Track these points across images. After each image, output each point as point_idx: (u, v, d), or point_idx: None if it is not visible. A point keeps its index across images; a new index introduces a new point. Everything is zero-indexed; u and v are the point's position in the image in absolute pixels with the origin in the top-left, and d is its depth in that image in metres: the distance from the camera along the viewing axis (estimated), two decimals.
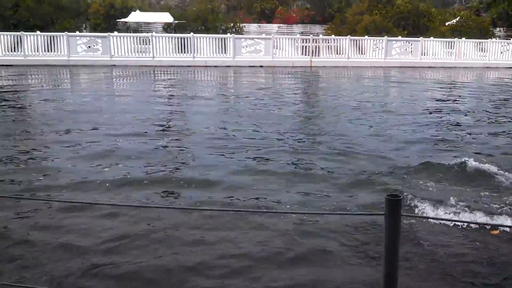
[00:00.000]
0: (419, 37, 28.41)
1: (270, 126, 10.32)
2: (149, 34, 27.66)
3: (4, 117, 11.23)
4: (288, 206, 5.69)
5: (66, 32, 26.26)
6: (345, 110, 12.63)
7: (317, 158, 7.82)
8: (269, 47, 26.48)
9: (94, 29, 37.49)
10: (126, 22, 37.13)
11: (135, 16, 36.90)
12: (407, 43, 28.42)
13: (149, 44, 26.03)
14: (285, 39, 28.42)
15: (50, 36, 25.77)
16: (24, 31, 25.79)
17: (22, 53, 24.84)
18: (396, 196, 1.90)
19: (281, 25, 47.24)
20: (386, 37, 28.01)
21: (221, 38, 27.05)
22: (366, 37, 28.56)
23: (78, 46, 25.50)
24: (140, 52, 26.16)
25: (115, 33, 27.70)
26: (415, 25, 37.79)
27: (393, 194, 1.91)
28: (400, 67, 26.47)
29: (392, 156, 8.04)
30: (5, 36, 25.21)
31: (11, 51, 25.03)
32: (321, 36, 30.23)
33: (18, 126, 10.25)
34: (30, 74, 21.84)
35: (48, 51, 25.33)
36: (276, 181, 6.63)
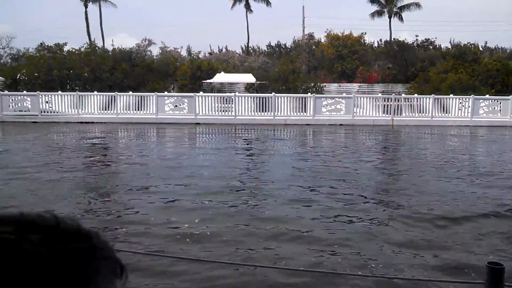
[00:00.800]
0: (509, 96, 27.15)
1: (349, 184, 10.09)
2: (232, 94, 28.67)
3: (95, 169, 11.90)
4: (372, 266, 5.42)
5: (155, 93, 27.92)
6: (429, 169, 12.11)
7: (398, 217, 7.48)
8: (350, 106, 26.44)
9: (181, 89, 39.48)
10: (211, 83, 38.81)
11: (220, 77, 38.53)
12: (496, 101, 27.24)
13: (232, 103, 26.94)
14: (366, 97, 28.30)
15: (140, 96, 27.51)
16: (118, 92, 27.74)
17: (115, 112, 26.58)
18: (498, 264, 1.73)
19: (361, 84, 47.22)
20: (472, 95, 27.04)
21: (302, 98, 27.45)
22: (451, 95, 27.74)
23: (166, 105, 26.91)
24: (223, 111, 27.09)
25: (201, 93, 29.00)
26: (504, 83, 36.24)
27: (495, 262, 1.74)
28: (488, 126, 25.27)
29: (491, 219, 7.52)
30: (101, 96, 27.23)
31: (105, 110, 26.89)
32: (403, 95, 29.76)
33: (102, 174, 10.80)
34: (121, 130, 23.20)
35: (138, 110, 26.94)
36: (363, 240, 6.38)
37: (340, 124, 25.48)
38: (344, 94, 29.84)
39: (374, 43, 61.45)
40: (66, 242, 0.49)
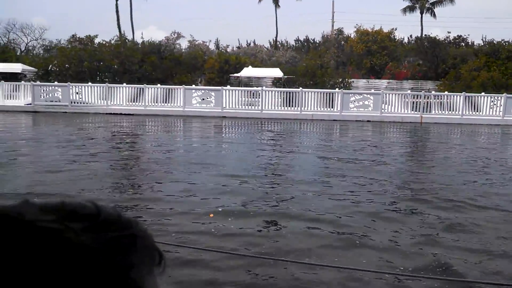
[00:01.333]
0: None
1: (374, 179, 9.98)
2: (259, 88, 28.66)
3: (121, 157, 12.08)
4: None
5: (183, 85, 28.13)
6: (459, 165, 11.89)
7: (429, 207, 7.37)
8: (378, 102, 26.12)
9: (209, 83, 39.66)
10: (238, 77, 38.85)
11: (247, 71, 38.50)
12: None
13: (258, 98, 26.93)
14: (395, 94, 27.91)
15: (168, 89, 27.76)
16: (147, 84, 28.06)
17: (143, 104, 26.89)
18: None
19: (390, 80, 46.59)
20: (505, 94, 26.39)
21: (329, 93, 27.25)
22: (483, 94, 27.13)
23: (193, 99, 27.08)
24: (250, 105, 27.11)
25: (228, 87, 29.07)
26: None
27: None
28: None
29: None
30: (129, 88, 27.58)
31: (134, 102, 27.23)
32: (433, 92, 29.24)
33: (133, 165, 10.96)
34: (148, 122, 23.46)
35: (165, 102, 27.20)
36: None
37: (368, 121, 25.21)
38: (372, 90, 29.50)
39: (404, 39, 60.51)
40: (107, 230, 0.50)
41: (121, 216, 0.53)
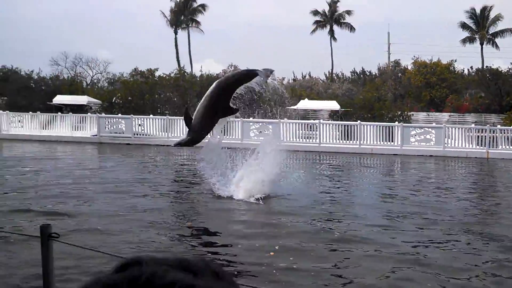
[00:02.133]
0: None
1: (441, 218, 9.59)
2: (316, 121, 28.56)
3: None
4: None
5: (241, 118, 28.43)
6: None
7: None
8: (440, 136, 25.35)
9: (265, 115, 39.94)
10: (295, 109, 38.98)
11: (304, 104, 38.59)
12: None
13: (316, 131, 26.81)
14: (458, 128, 27.05)
15: (226, 122, 28.14)
16: None
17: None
18: None
19: (452, 113, 45.26)
20: None
21: (388, 126, 26.75)
22: None
23: (251, 131, 27.32)
24: (307, 138, 27.01)
25: (285, 119, 29.17)
26: None
27: None
28: None
29: None
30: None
31: None
32: (498, 126, 28.12)
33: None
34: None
35: (224, 135, 27.54)
36: None
37: (430, 155, 24.46)
38: (433, 124, 28.75)
39: (464, 70, 58.93)
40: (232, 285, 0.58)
41: (221, 269, 0.60)
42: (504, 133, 26.01)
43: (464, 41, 57.05)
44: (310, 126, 28.05)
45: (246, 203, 11.00)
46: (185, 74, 48.44)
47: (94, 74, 59.77)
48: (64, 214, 9.47)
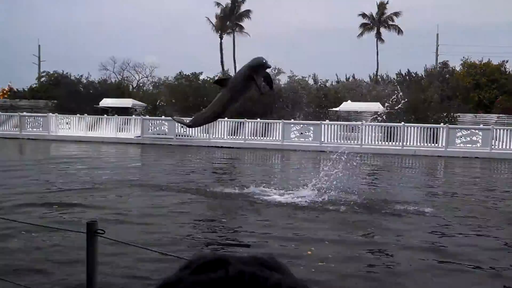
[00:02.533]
0: None
1: (487, 224, 9.23)
2: (359, 122, 28.19)
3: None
4: None
5: (282, 120, 28.46)
6: None
7: None
8: (487, 138, 24.50)
9: (307, 117, 39.75)
10: (337, 111, 38.58)
11: (346, 106, 38.13)
12: None
13: (358, 132, 26.46)
14: (506, 130, 26.04)
15: (267, 123, 28.23)
16: (247, 118, 28.79)
17: (243, 137, 27.54)
18: None
19: (501, 115, 43.55)
20: None
21: (433, 128, 26.09)
22: None
23: (291, 133, 27.27)
24: (349, 139, 26.70)
25: (327, 121, 28.94)
26: None
27: None
28: None
29: None
30: (230, 122, 28.43)
31: (233, 135, 28.02)
32: None
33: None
34: (254, 156, 23.90)
35: (264, 136, 27.64)
36: None
37: (476, 157, 23.66)
38: (481, 126, 27.81)
39: None
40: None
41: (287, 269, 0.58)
42: None
43: None
44: (352, 127, 27.70)
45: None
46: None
47: (140, 78, 61.25)
48: (105, 207, 9.76)
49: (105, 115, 31.47)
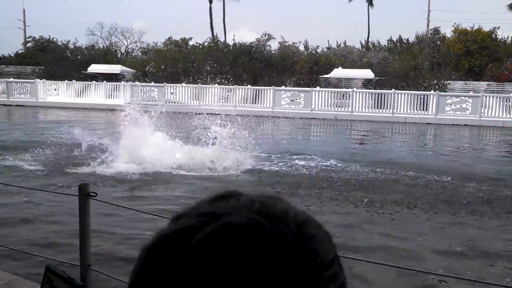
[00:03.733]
0: None
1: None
2: (349, 89, 28.15)
3: None
4: None
5: (272, 86, 28.32)
6: None
7: None
8: (477, 106, 24.63)
9: (298, 84, 39.57)
10: (328, 78, 38.41)
11: (337, 72, 37.93)
12: None
13: (348, 99, 26.44)
14: (496, 97, 26.16)
15: (258, 90, 28.08)
16: (237, 85, 28.60)
17: (233, 104, 27.43)
18: None
19: (491, 82, 43.70)
20: None
21: (423, 95, 26.14)
22: None
23: (282, 100, 27.18)
24: (339, 106, 26.69)
25: (317, 88, 28.84)
26: None
27: None
28: None
29: None
30: (220, 89, 28.26)
31: (224, 102, 27.88)
32: None
33: None
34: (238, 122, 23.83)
35: (255, 103, 27.54)
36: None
37: (465, 125, 23.83)
38: (471, 93, 27.92)
39: (508, 38, 56.44)
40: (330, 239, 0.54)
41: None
42: None
43: (510, 6, 54.39)
44: (343, 94, 27.66)
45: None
46: (219, 43, 48.28)
47: (128, 44, 60.30)
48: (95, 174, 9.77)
49: (93, 82, 31.04)
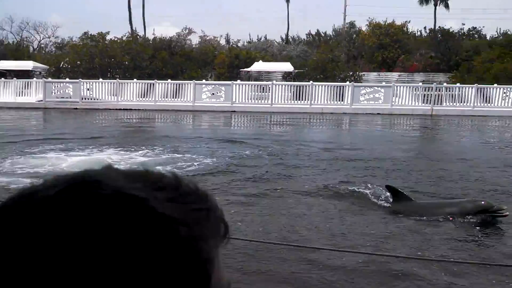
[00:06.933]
0: None
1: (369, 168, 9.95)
2: (269, 82, 28.59)
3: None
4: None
5: (193, 81, 28.17)
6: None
7: None
8: (389, 95, 25.92)
9: (219, 78, 39.62)
10: (248, 71, 38.77)
11: (257, 66, 38.39)
12: None
13: (268, 92, 26.88)
14: (405, 87, 27.66)
15: (178, 84, 27.83)
16: (157, 80, 28.15)
17: (153, 99, 27.00)
18: None
19: (401, 73, 46.14)
20: None
21: (339, 86, 27.11)
22: (495, 85, 26.72)
23: (203, 93, 27.11)
24: (259, 99, 27.06)
25: (238, 81, 29.03)
26: None
27: None
28: None
29: None
30: (140, 84, 27.70)
31: (143, 97, 27.36)
32: (444, 84, 28.93)
33: None
34: (158, 117, 23.54)
35: (175, 98, 27.27)
36: None
37: (378, 113, 25.01)
38: (383, 83, 29.29)
39: (417, 32, 59.71)
40: (186, 202, 0.50)
41: (199, 189, 0.53)
42: (449, 91, 26.88)
43: (421, 2, 57.41)
44: (263, 87, 28.04)
45: None
46: (138, 37, 47.20)
47: (41, 39, 57.50)
48: None
49: (2, 79, 29.30)
